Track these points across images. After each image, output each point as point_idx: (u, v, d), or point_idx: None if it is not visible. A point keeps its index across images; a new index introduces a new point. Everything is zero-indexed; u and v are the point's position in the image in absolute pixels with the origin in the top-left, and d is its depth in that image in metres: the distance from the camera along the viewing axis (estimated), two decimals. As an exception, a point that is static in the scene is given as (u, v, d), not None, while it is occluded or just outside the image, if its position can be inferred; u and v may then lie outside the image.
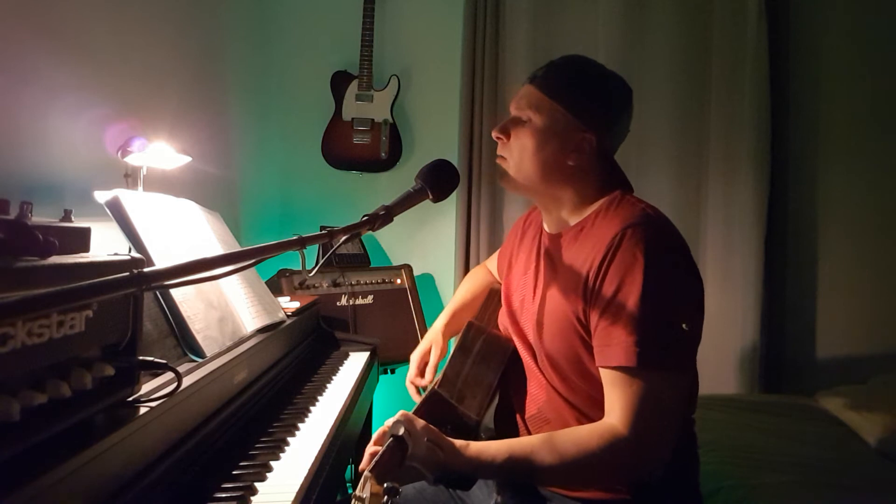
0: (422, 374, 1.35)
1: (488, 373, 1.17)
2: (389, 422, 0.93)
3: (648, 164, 2.47)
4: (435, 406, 1.07)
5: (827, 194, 2.39)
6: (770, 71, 2.34)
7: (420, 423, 0.94)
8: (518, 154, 1.12)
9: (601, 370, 0.99)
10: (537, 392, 1.14)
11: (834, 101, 2.40)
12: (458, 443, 0.96)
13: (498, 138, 1.15)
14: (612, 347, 0.96)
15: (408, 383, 1.36)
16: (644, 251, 0.97)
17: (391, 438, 0.87)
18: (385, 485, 0.64)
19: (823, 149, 2.40)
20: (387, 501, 0.63)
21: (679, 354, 0.98)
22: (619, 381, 0.96)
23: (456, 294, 1.50)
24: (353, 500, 0.66)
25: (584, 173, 1.11)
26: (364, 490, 0.65)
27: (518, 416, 1.19)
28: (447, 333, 1.40)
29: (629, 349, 0.94)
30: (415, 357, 1.38)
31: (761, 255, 2.34)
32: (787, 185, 2.42)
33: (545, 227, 1.20)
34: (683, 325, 0.99)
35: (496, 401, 1.27)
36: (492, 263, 1.52)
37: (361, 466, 0.94)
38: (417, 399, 1.27)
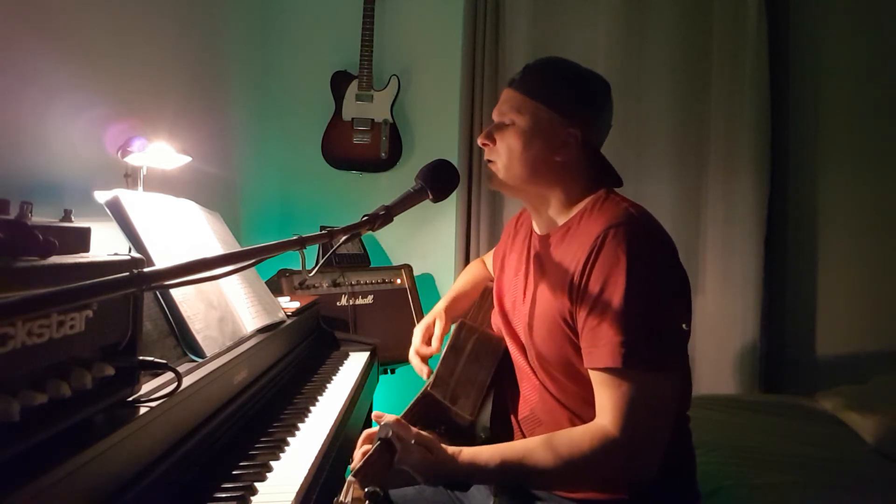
0: (427, 343, 1.32)
1: (481, 371, 1.17)
2: (380, 423, 0.93)
3: (648, 164, 2.47)
4: (428, 407, 1.07)
5: (827, 194, 2.39)
6: (770, 71, 2.35)
7: (410, 428, 0.93)
8: (506, 155, 1.12)
9: (590, 372, 0.99)
10: (530, 393, 1.14)
11: (834, 101, 2.40)
12: (451, 449, 0.96)
13: (484, 144, 1.15)
14: (599, 349, 0.96)
15: (412, 354, 1.33)
16: (626, 251, 0.96)
17: (379, 441, 0.87)
18: (367, 489, 0.64)
19: (823, 149, 2.40)
20: None
21: (667, 353, 0.98)
22: (607, 382, 0.96)
23: (455, 284, 1.50)
24: None
25: (573, 169, 1.11)
26: (347, 496, 0.65)
27: (512, 418, 1.19)
28: (449, 312, 1.39)
29: (615, 350, 0.94)
30: (418, 330, 1.36)
31: (761, 255, 2.35)
32: (787, 185, 2.43)
33: (535, 228, 1.20)
34: (669, 324, 0.98)
35: (491, 401, 1.27)
36: (489, 259, 1.52)
37: (352, 466, 0.94)
38: (422, 369, 1.27)
